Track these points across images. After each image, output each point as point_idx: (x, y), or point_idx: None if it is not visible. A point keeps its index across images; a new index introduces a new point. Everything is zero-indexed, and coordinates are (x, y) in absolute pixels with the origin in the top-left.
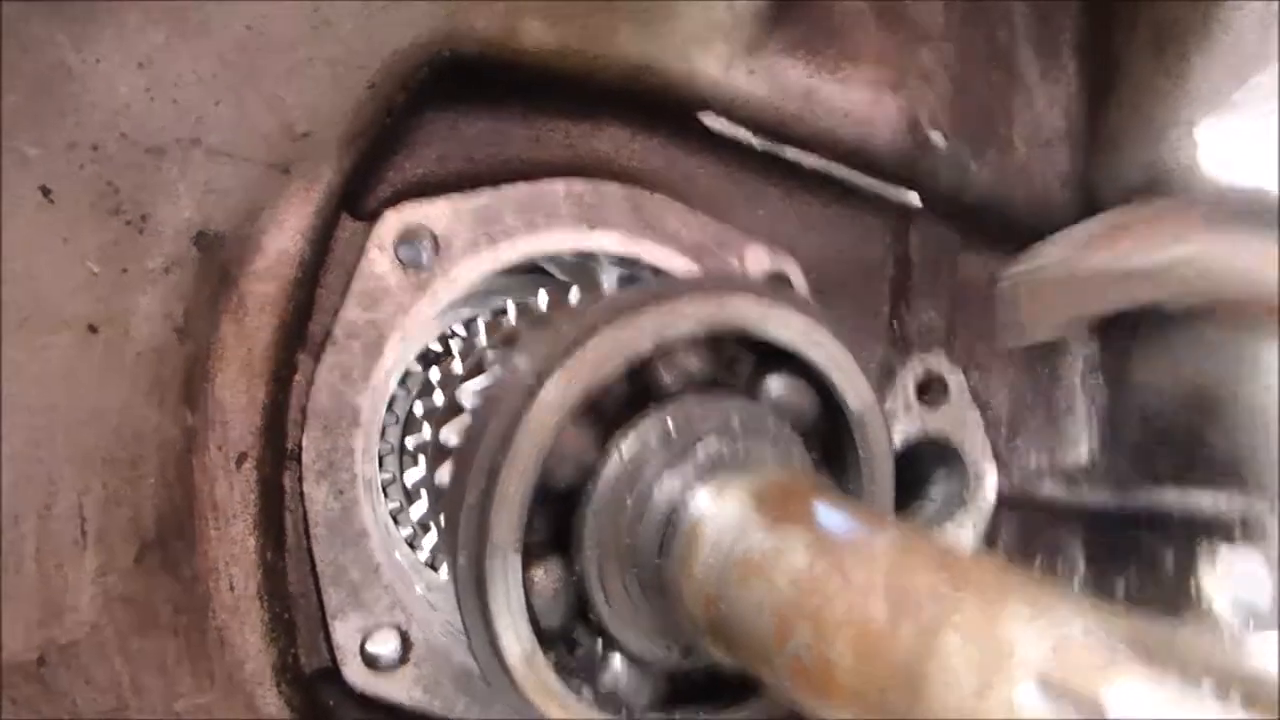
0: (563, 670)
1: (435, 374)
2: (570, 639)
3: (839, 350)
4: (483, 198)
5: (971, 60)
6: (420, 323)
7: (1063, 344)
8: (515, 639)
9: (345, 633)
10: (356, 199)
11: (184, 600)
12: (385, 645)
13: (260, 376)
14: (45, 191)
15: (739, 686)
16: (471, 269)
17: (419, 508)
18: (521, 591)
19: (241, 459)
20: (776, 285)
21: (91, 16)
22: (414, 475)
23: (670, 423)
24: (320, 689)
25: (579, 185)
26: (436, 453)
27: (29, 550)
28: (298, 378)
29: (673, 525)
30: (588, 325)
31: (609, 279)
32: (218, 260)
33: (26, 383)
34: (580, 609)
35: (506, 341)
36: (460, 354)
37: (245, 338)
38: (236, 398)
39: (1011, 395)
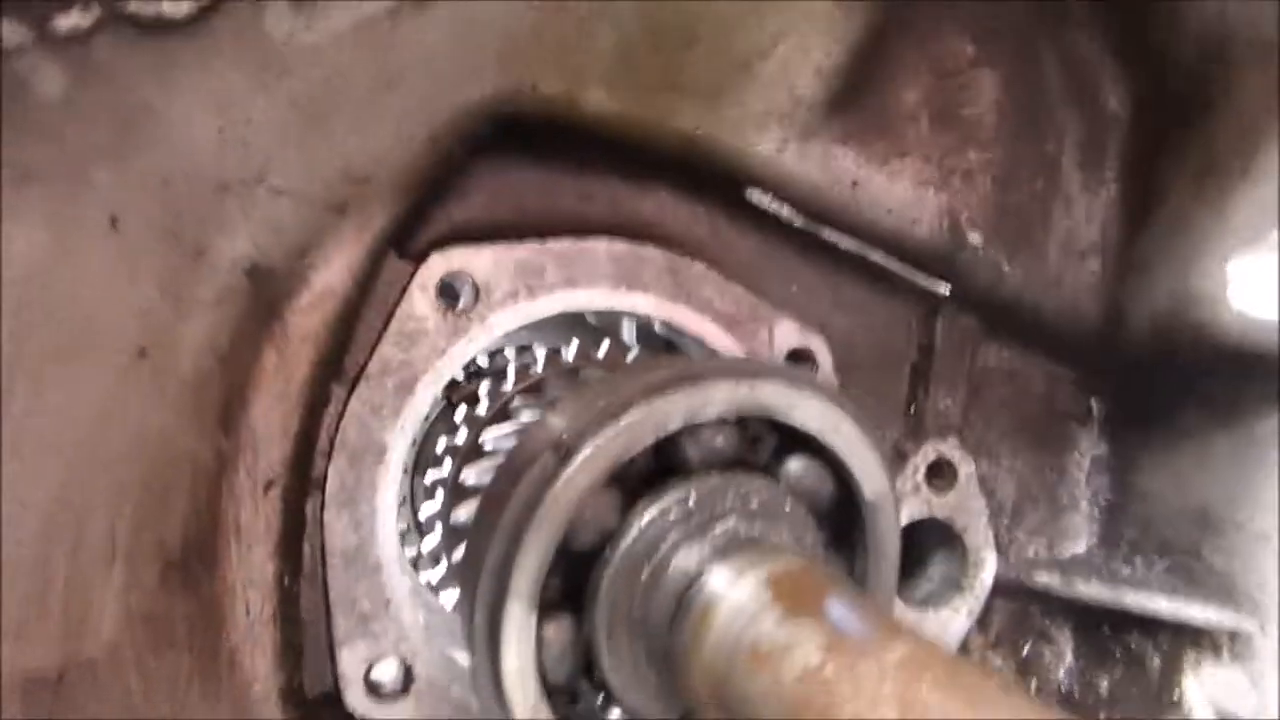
0: None
1: (460, 413)
2: (574, 691)
3: (859, 438)
4: (526, 250)
5: (1016, 166)
6: (454, 367)
7: (1072, 441)
8: (522, 693)
9: (351, 660)
10: (404, 240)
11: (200, 620)
12: (388, 674)
13: (295, 407)
14: (113, 221)
15: None
16: (509, 317)
17: (431, 540)
18: (534, 648)
19: (269, 485)
20: (804, 372)
21: (179, 58)
22: (428, 509)
23: (692, 498)
24: (321, 714)
25: (620, 246)
26: (455, 491)
27: (60, 569)
28: (329, 409)
29: (686, 602)
30: (623, 400)
31: (630, 331)
32: (266, 293)
33: (78, 405)
34: (586, 665)
35: (533, 390)
36: (487, 396)
37: (284, 368)
38: (270, 426)
39: (1017, 486)
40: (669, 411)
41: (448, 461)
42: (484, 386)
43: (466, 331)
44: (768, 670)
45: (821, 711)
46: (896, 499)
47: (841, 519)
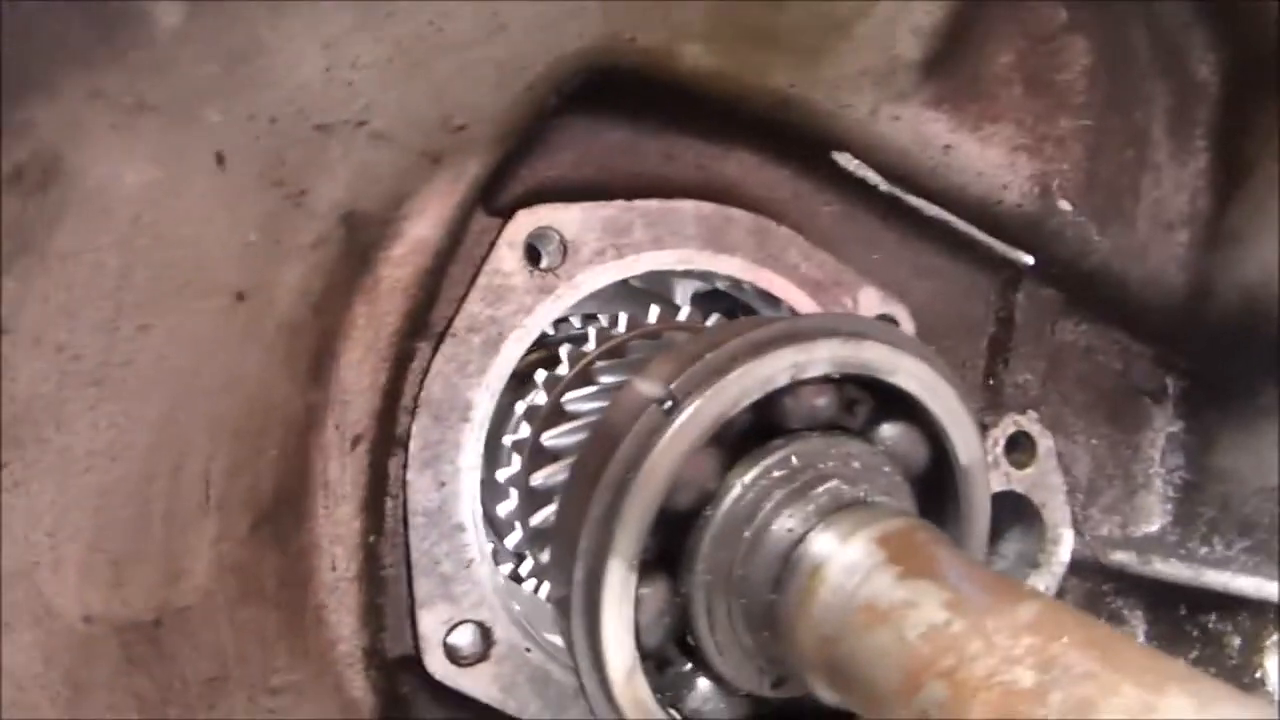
0: (655, 689)
1: (540, 375)
2: (663, 659)
3: (957, 403)
4: (614, 208)
5: (1107, 134)
6: (541, 324)
7: (1148, 419)
8: (620, 653)
9: (431, 623)
10: (492, 195)
11: (289, 575)
12: (468, 639)
13: (383, 361)
14: (219, 158)
15: (819, 717)
16: (596, 276)
17: (507, 504)
18: (632, 607)
19: (357, 441)
20: (905, 334)
21: None
22: (506, 472)
23: (795, 459)
24: (400, 676)
25: (708, 207)
26: (535, 454)
27: (158, 511)
28: (415, 365)
29: (792, 562)
30: (729, 355)
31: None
32: (361, 241)
33: (178, 347)
34: (678, 630)
35: (615, 353)
36: (568, 359)
37: (374, 320)
38: (360, 379)
39: (1093, 463)
40: (775, 367)
41: (525, 425)
42: (565, 349)
43: (554, 290)
44: (887, 628)
45: (951, 671)
46: (987, 468)
47: (932, 486)
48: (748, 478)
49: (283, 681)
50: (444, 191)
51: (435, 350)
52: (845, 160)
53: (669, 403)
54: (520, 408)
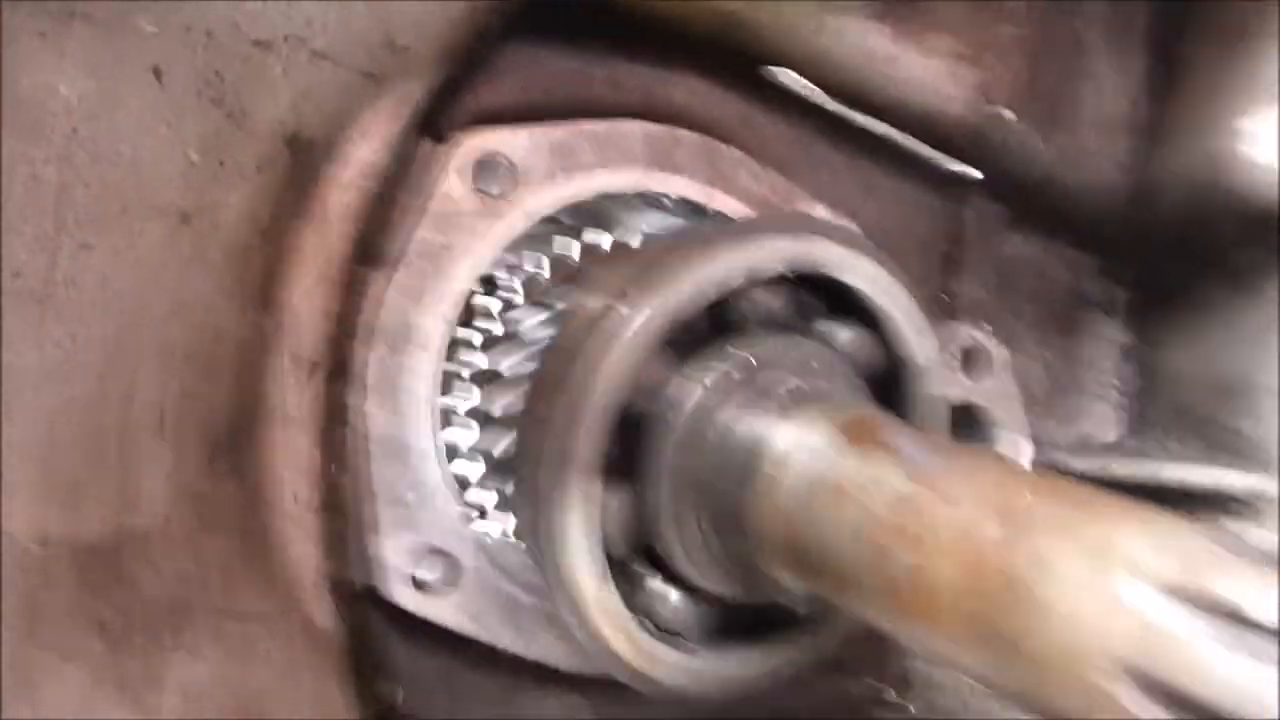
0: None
1: (495, 303)
2: (629, 569)
3: (910, 304)
4: (560, 131)
5: (1047, 43)
6: (492, 250)
7: (1098, 330)
8: (588, 562)
9: (395, 552)
10: (437, 121)
11: (249, 505)
12: (434, 568)
13: (335, 288)
14: (157, 73)
15: (789, 624)
16: (545, 200)
17: (469, 436)
18: (598, 514)
19: (313, 369)
20: (858, 234)
21: None
22: (464, 404)
23: (754, 361)
24: (368, 607)
25: (656, 129)
26: (493, 382)
27: (112, 435)
28: (367, 293)
29: (755, 457)
30: (682, 254)
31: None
32: (306, 165)
33: (123, 268)
34: (643, 539)
35: (569, 280)
36: (524, 287)
37: (323, 247)
38: (311, 307)
39: (1047, 376)
40: (730, 267)
41: (483, 355)
42: (520, 278)
43: (504, 215)
44: (853, 505)
45: (918, 535)
46: (942, 370)
47: (889, 389)
48: (709, 380)
49: (248, 610)
50: (388, 114)
51: (387, 278)
52: (792, 80)
53: (625, 307)
54: (477, 338)
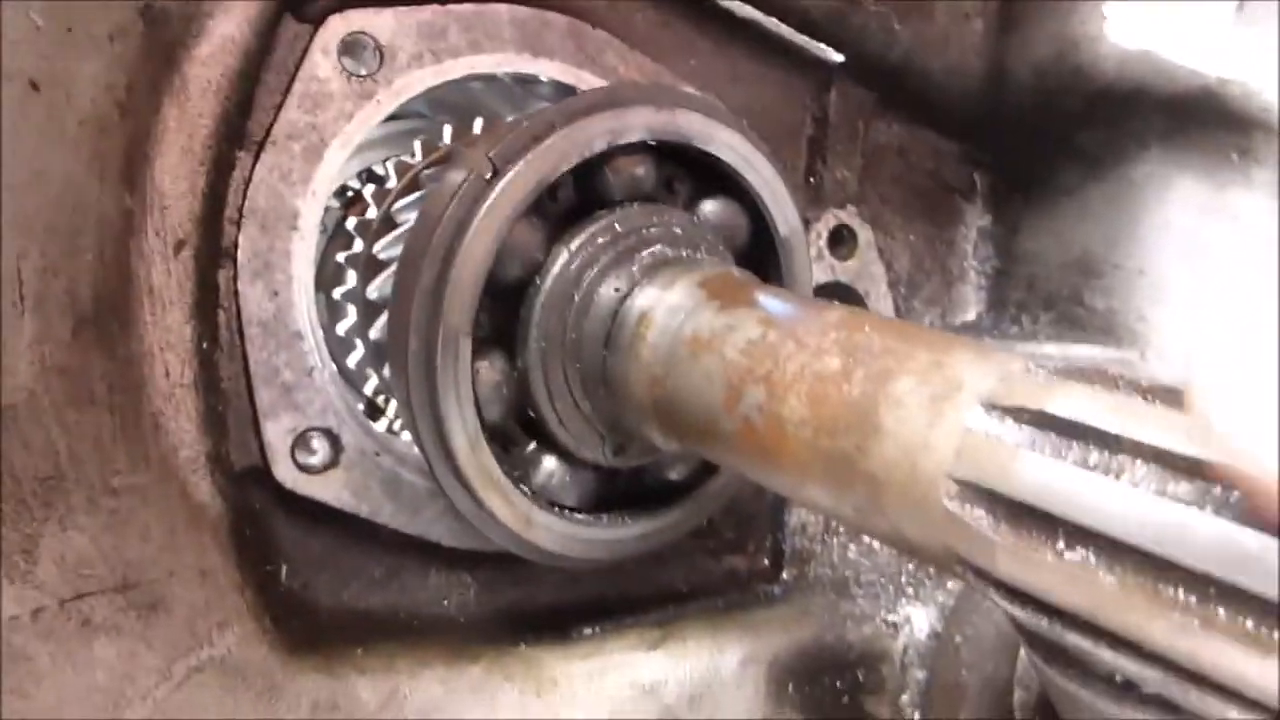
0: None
1: (370, 190)
2: (505, 437)
3: (773, 176)
4: (428, 12)
5: None
6: (363, 131)
7: (959, 214)
8: (461, 424)
9: (276, 432)
10: (302, 1)
11: (120, 381)
12: (316, 447)
13: (201, 165)
14: None
15: (663, 497)
16: (415, 81)
17: (345, 323)
18: (470, 377)
19: (179, 246)
20: (721, 107)
21: None
22: (341, 290)
23: (618, 225)
24: (250, 486)
25: (523, 11)
26: (369, 267)
27: None
28: (236, 175)
29: (619, 317)
30: (546, 123)
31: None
32: (163, 37)
33: None
34: (518, 407)
35: (441, 162)
36: (395, 171)
37: (186, 123)
38: (176, 184)
39: (911, 258)
40: (592, 132)
41: (359, 241)
42: (390, 163)
43: (373, 95)
44: (710, 353)
45: (768, 374)
46: (806, 238)
47: (755, 259)
48: (574, 245)
49: (123, 484)
50: None
51: (256, 159)
52: None
53: (490, 172)
54: (352, 221)
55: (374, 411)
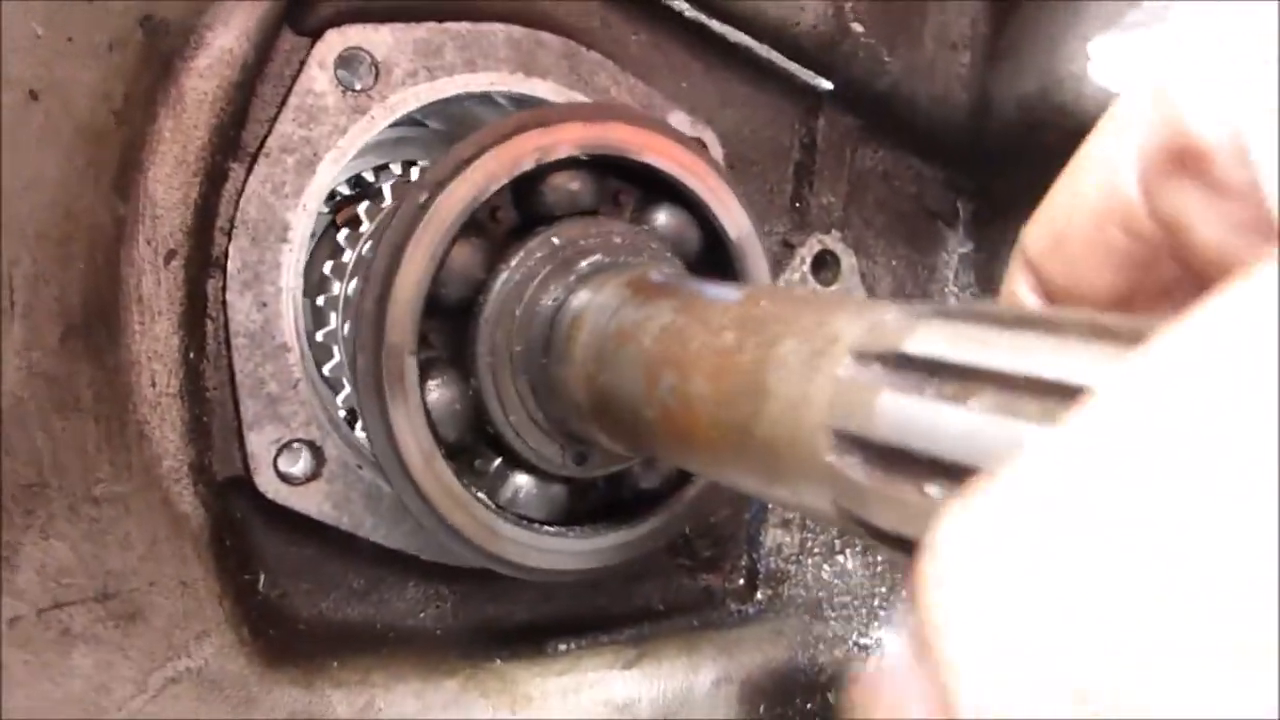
0: (463, 480)
1: (364, 207)
2: (470, 454)
3: (718, 182)
4: (424, 30)
5: None
6: (356, 146)
7: (941, 240)
8: (414, 440)
9: (260, 443)
10: (300, 14)
11: (106, 389)
12: (298, 458)
13: (194, 176)
14: None
15: (636, 509)
16: (409, 98)
17: (326, 330)
18: (419, 394)
19: (170, 256)
20: (659, 118)
21: None
22: (324, 297)
23: (555, 239)
24: (232, 496)
25: (519, 31)
26: (353, 274)
27: None
28: (228, 186)
29: (556, 323)
30: (476, 144)
31: None
32: (161, 48)
33: None
34: (479, 425)
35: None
36: (391, 190)
37: (181, 134)
38: (169, 194)
39: (894, 283)
40: (520, 151)
41: (343, 247)
42: (382, 174)
43: (367, 110)
44: (631, 344)
45: (677, 356)
46: (765, 243)
47: (711, 264)
48: (513, 261)
49: (105, 492)
50: (249, 2)
51: (249, 171)
52: None
53: (425, 195)
54: (343, 233)
55: (354, 418)
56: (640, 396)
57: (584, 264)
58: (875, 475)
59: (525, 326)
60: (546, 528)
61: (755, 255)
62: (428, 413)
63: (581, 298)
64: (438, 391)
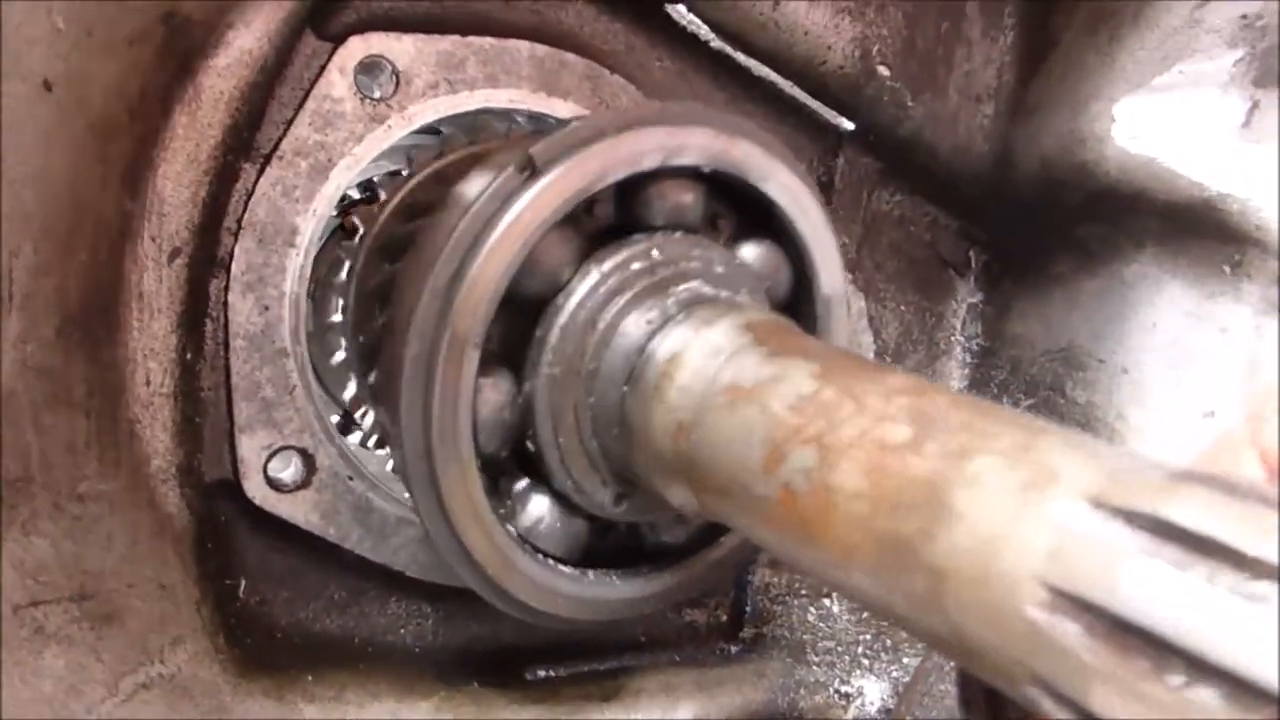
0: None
1: (371, 207)
2: (496, 468)
3: (824, 226)
4: (448, 43)
5: (925, 5)
6: (371, 154)
7: (951, 289)
8: (454, 445)
9: (251, 447)
10: (324, 18)
11: (99, 385)
12: (289, 465)
13: (205, 175)
14: None
15: (654, 560)
16: (428, 109)
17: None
18: (470, 393)
19: (174, 254)
20: (780, 145)
21: None
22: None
23: (656, 253)
24: (218, 500)
25: (542, 50)
26: (368, 261)
27: None
28: (238, 186)
29: (647, 353)
30: (596, 128)
31: None
32: (182, 45)
33: None
34: (517, 436)
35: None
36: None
37: (195, 132)
38: (178, 192)
39: (901, 328)
40: (644, 146)
41: (351, 254)
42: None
43: (385, 119)
44: (751, 405)
45: (818, 434)
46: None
47: (790, 318)
48: (606, 266)
49: (90, 490)
50: (273, 4)
51: (261, 172)
52: (679, 13)
53: (528, 170)
54: (350, 240)
55: (348, 423)
56: (754, 468)
57: (683, 289)
58: (1103, 653)
59: (605, 344)
60: (562, 566)
61: (840, 318)
62: (475, 414)
63: (683, 332)
64: (487, 392)
